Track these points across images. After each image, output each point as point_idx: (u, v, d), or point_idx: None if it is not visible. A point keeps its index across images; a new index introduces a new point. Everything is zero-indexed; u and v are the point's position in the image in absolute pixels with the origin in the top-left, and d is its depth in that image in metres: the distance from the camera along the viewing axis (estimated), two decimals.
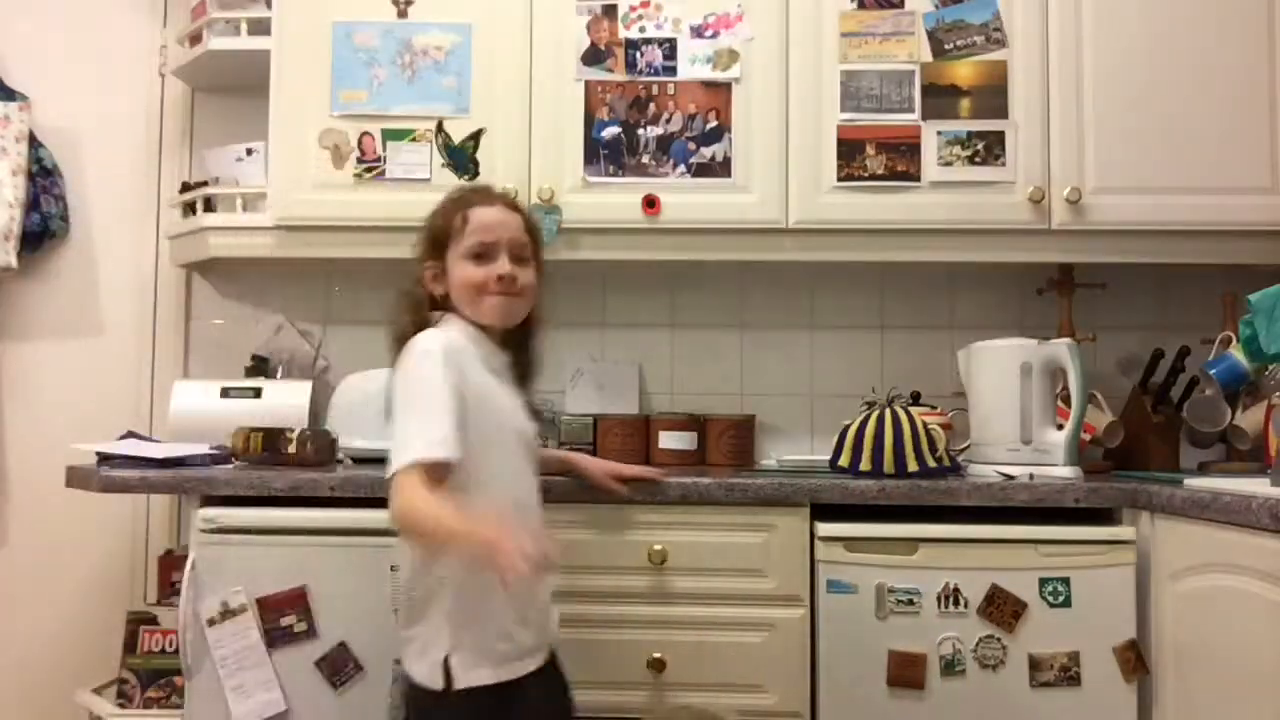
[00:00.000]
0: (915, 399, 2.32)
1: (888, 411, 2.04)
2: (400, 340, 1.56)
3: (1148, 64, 2.23)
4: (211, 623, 1.87)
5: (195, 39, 2.46)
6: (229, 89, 2.56)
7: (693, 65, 2.27)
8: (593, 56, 2.28)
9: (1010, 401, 2.07)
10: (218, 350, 2.61)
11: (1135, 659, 1.82)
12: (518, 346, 1.69)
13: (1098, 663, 1.82)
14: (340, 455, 2.15)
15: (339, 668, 1.87)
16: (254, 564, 1.89)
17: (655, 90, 2.27)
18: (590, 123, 2.27)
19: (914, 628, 1.84)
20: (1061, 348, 2.07)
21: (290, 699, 1.87)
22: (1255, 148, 2.20)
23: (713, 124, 2.26)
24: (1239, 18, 2.22)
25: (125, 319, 2.64)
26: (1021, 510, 1.89)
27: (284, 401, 2.32)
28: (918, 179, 2.23)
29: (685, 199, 2.24)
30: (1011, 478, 1.97)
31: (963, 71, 2.25)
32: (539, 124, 2.27)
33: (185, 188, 2.48)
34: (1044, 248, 2.24)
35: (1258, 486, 1.60)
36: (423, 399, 1.47)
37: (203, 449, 2.10)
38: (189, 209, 2.45)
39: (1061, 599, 1.84)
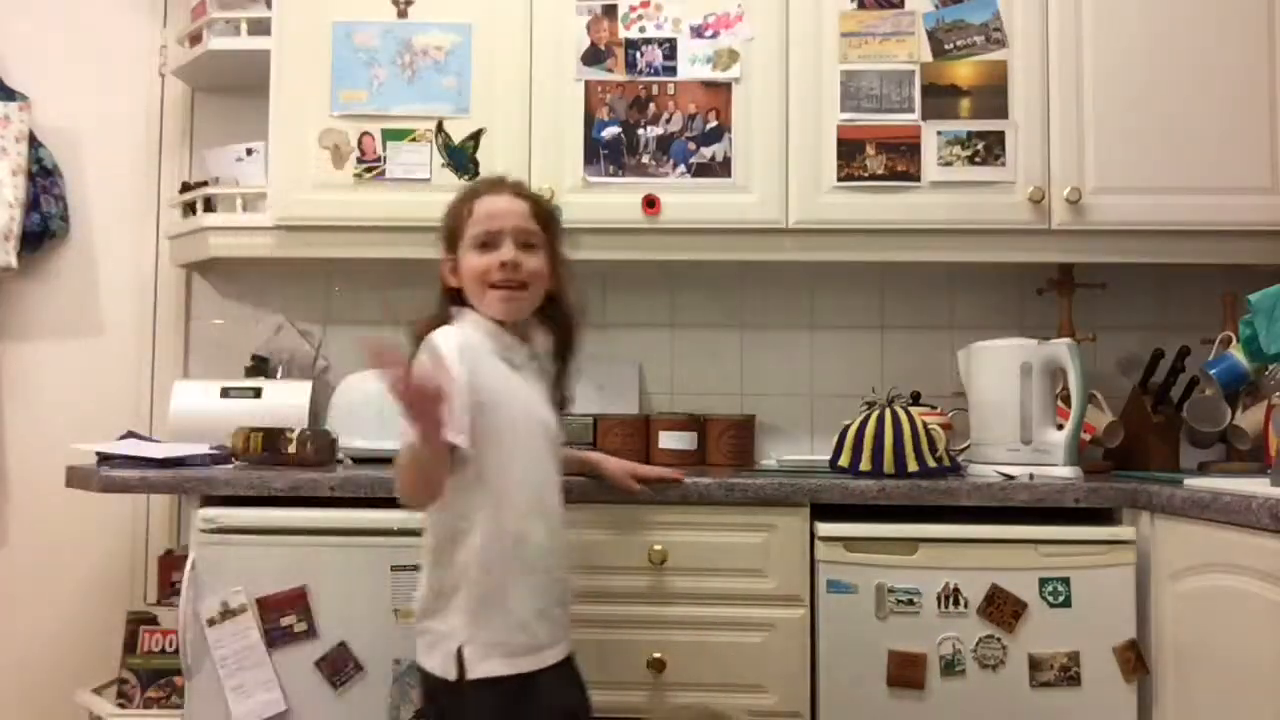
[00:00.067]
0: (915, 399, 2.32)
1: (888, 411, 2.04)
2: (418, 338, 1.58)
3: (1148, 64, 2.23)
4: (211, 623, 1.87)
5: (195, 39, 2.46)
6: (229, 89, 2.56)
7: (693, 65, 2.27)
8: (593, 56, 2.28)
9: (1010, 401, 2.07)
10: (218, 350, 2.61)
11: (1135, 659, 1.82)
12: (556, 334, 1.70)
13: (1098, 663, 1.82)
14: (340, 455, 2.15)
15: (339, 668, 1.87)
16: (254, 564, 1.88)
17: (655, 90, 2.27)
18: (590, 123, 2.27)
19: (914, 628, 1.84)
20: (1061, 348, 2.07)
21: (290, 699, 1.87)
22: (1255, 148, 2.20)
23: (713, 124, 2.26)
24: (1239, 18, 2.22)
25: (125, 319, 2.65)
26: (1021, 510, 1.89)
27: (284, 401, 2.32)
28: (918, 179, 2.23)
29: (685, 199, 2.24)
30: (1011, 478, 1.97)
31: (963, 71, 2.25)
32: (539, 124, 2.27)
33: (185, 188, 2.48)
34: (1044, 248, 2.24)
35: (1258, 486, 1.60)
36: None
37: (203, 449, 2.10)
38: (189, 209, 2.45)
39: (1061, 599, 1.84)
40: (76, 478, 2.00)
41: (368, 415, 2.17)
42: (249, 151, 2.44)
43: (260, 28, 2.36)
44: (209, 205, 2.42)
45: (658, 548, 1.92)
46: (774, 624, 1.91)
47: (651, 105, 2.26)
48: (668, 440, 2.33)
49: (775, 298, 2.59)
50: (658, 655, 1.90)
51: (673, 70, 2.27)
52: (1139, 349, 2.43)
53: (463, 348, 1.52)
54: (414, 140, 2.27)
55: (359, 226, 2.27)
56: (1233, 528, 1.56)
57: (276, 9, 2.31)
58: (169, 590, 2.39)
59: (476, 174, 2.26)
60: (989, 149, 2.23)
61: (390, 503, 1.88)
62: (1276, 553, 1.47)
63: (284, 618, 1.88)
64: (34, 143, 2.57)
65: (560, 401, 1.72)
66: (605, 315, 2.58)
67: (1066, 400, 2.08)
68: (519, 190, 1.68)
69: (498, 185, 1.69)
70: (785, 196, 2.24)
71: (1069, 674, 1.82)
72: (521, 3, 2.28)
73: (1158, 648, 1.81)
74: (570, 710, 1.61)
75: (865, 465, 2.01)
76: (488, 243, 1.61)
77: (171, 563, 2.43)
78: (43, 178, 2.57)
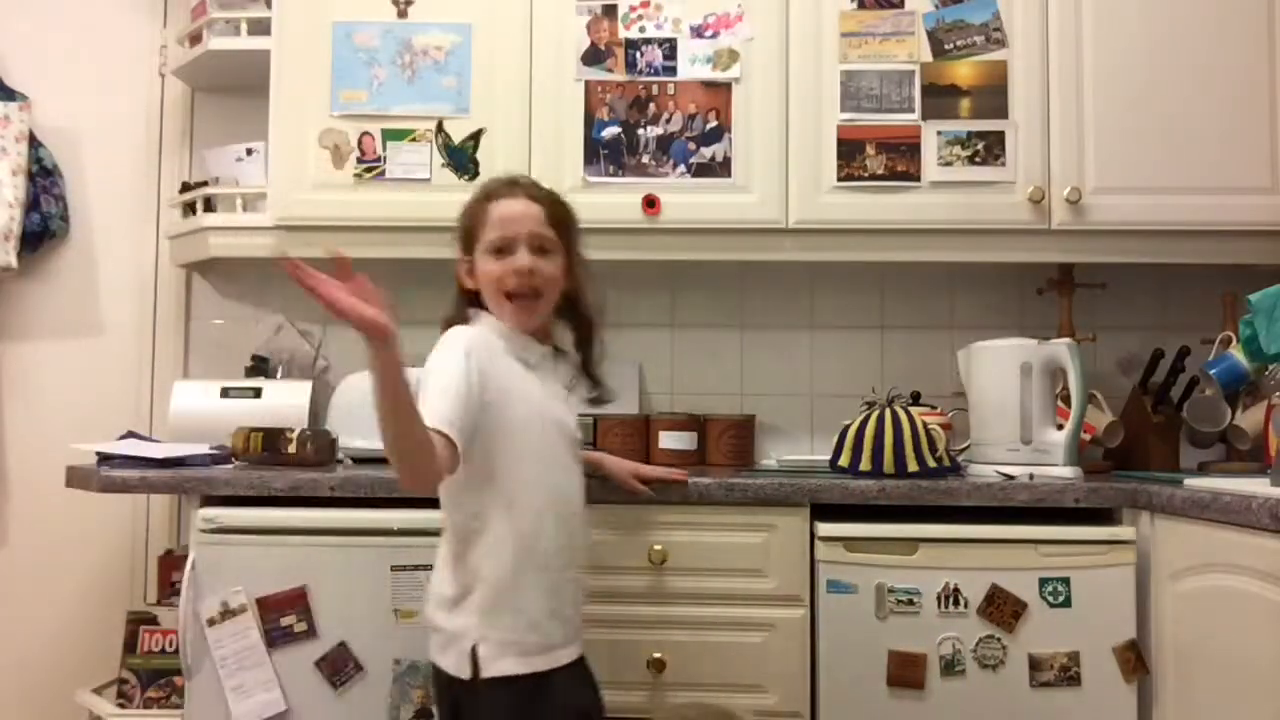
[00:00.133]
0: (915, 399, 2.32)
1: (888, 411, 2.04)
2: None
3: (1148, 64, 2.22)
4: (211, 623, 1.87)
5: (195, 39, 2.46)
6: (229, 89, 2.56)
7: (693, 65, 2.27)
8: (593, 56, 2.28)
9: (1010, 401, 2.07)
10: (218, 350, 2.61)
11: (1135, 659, 1.82)
12: (575, 333, 1.72)
13: (1098, 663, 1.82)
14: (340, 455, 2.15)
15: (339, 668, 1.87)
16: (254, 564, 1.88)
17: (655, 90, 2.27)
18: (590, 123, 2.27)
19: (914, 628, 1.84)
20: (1061, 348, 2.07)
21: (290, 699, 1.87)
22: (1255, 148, 2.20)
23: (713, 124, 2.26)
24: (1239, 18, 2.22)
25: (125, 319, 2.65)
26: (1021, 510, 1.89)
27: (284, 401, 2.32)
28: (918, 179, 2.23)
29: (685, 199, 2.24)
30: (1011, 478, 1.97)
31: (963, 71, 2.25)
32: (539, 124, 2.27)
33: (185, 188, 2.48)
34: (1044, 248, 2.24)
35: (1258, 486, 1.60)
36: (436, 383, 1.49)
37: (203, 449, 2.10)
38: (189, 209, 2.45)
39: (1061, 599, 1.84)
40: (76, 478, 2.00)
41: (368, 415, 2.14)
42: (249, 151, 2.44)
43: (260, 28, 2.36)
44: (209, 205, 2.42)
45: (658, 548, 1.92)
46: (774, 624, 1.91)
47: (651, 105, 2.26)
48: (668, 440, 2.33)
49: (775, 298, 2.58)
50: (658, 655, 1.90)
51: (673, 70, 2.27)
52: (1139, 349, 2.43)
53: (472, 346, 1.52)
54: (414, 140, 2.27)
55: (359, 226, 2.27)
56: (1233, 528, 1.56)
57: (276, 9, 2.31)
58: (169, 590, 2.39)
59: (476, 174, 2.26)
60: (989, 149, 2.23)
61: (390, 503, 1.89)
62: (1276, 553, 1.47)
63: (284, 618, 1.88)
64: (34, 143, 2.57)
65: (598, 396, 1.73)
66: (605, 315, 2.57)
67: (1066, 400, 2.08)
68: (533, 193, 1.66)
69: (512, 188, 1.67)
70: (785, 196, 2.24)
71: (1069, 674, 1.82)
72: (521, 3, 2.28)
73: (1158, 648, 1.81)
74: (584, 710, 1.62)
75: (865, 465, 2.01)
76: (503, 249, 1.61)
77: (171, 563, 2.43)
78: (43, 178, 2.58)
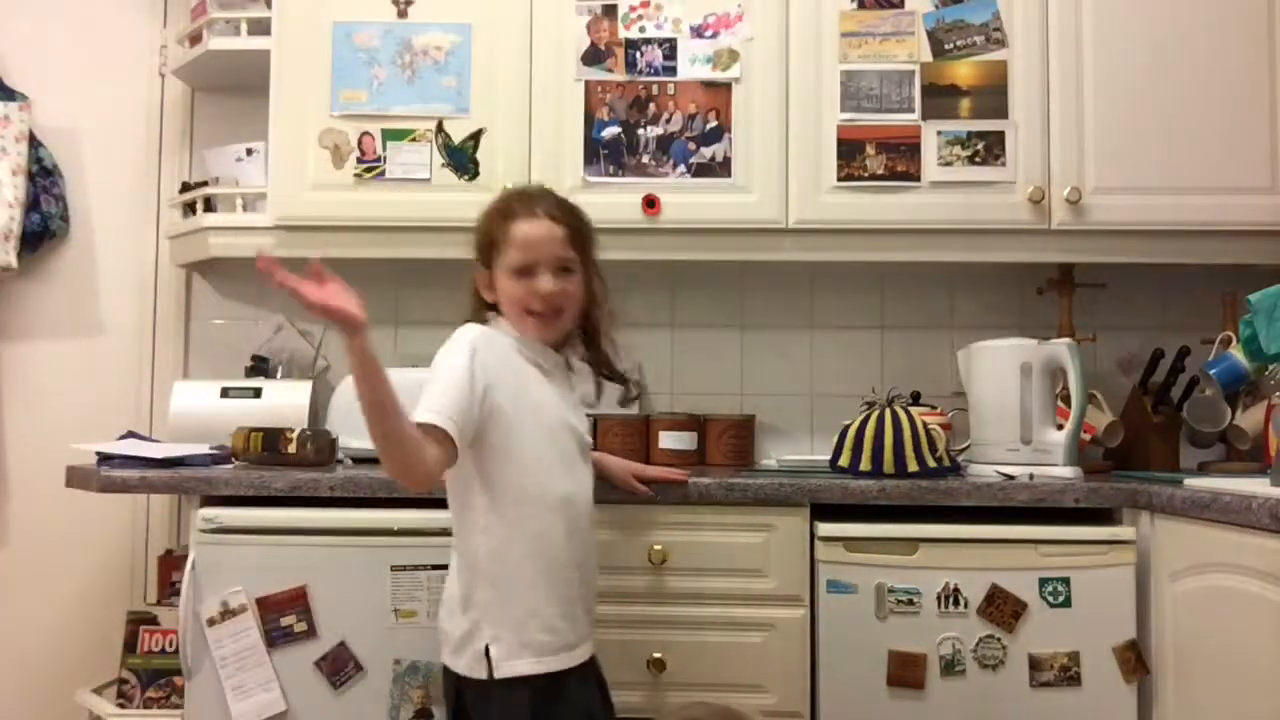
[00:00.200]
0: (915, 399, 2.32)
1: (888, 411, 2.04)
2: None
3: (1148, 64, 2.22)
4: (211, 623, 1.87)
5: (195, 39, 2.46)
6: (229, 89, 2.56)
7: (693, 65, 2.27)
8: (593, 56, 2.28)
9: (1010, 401, 2.07)
10: (218, 350, 2.61)
11: (1135, 659, 1.82)
12: (587, 343, 1.72)
13: (1098, 663, 1.82)
14: (340, 455, 2.15)
15: (339, 668, 1.87)
16: (254, 564, 1.88)
17: (655, 90, 2.27)
18: (590, 123, 2.27)
19: (914, 628, 1.84)
20: (1061, 348, 2.07)
21: (290, 699, 1.87)
22: (1255, 148, 2.20)
23: (713, 124, 2.26)
24: (1239, 18, 2.22)
25: (125, 319, 2.64)
26: (1021, 510, 1.89)
27: (284, 401, 2.32)
28: (918, 179, 2.23)
29: (685, 199, 2.24)
30: (1011, 478, 1.97)
31: (963, 71, 2.25)
32: (539, 124, 2.27)
33: (185, 188, 2.48)
34: (1044, 248, 2.24)
35: (1258, 486, 1.60)
36: (439, 379, 1.50)
37: (203, 449, 2.10)
38: (189, 209, 2.45)
39: (1061, 599, 1.84)
40: (76, 478, 2.00)
41: None
42: (249, 151, 2.44)
43: (260, 28, 2.36)
44: (209, 205, 2.42)
45: (658, 548, 1.92)
46: (774, 624, 1.91)
47: (651, 105, 2.26)
48: (668, 440, 2.33)
49: (775, 298, 2.58)
50: (658, 655, 1.90)
51: (673, 70, 2.27)
52: (1139, 349, 2.43)
53: (478, 344, 1.53)
54: (414, 140, 2.27)
55: (359, 226, 2.27)
56: (1233, 528, 1.56)
57: (276, 9, 2.31)
58: (169, 590, 2.38)
59: (476, 174, 2.26)
60: (989, 149, 2.23)
61: (390, 503, 1.89)
62: (1276, 553, 1.47)
63: (284, 618, 1.87)
64: (34, 143, 2.57)
65: (625, 394, 1.76)
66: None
67: (1066, 400, 2.08)
68: (554, 213, 1.63)
69: (532, 205, 1.63)
70: (785, 196, 2.24)
71: (1069, 674, 1.82)
72: (521, 3, 2.28)
73: (1158, 648, 1.81)
74: (596, 711, 1.62)
75: (865, 465, 2.01)
76: (525, 270, 1.60)
77: (171, 563, 2.43)
78: (43, 178, 2.57)
